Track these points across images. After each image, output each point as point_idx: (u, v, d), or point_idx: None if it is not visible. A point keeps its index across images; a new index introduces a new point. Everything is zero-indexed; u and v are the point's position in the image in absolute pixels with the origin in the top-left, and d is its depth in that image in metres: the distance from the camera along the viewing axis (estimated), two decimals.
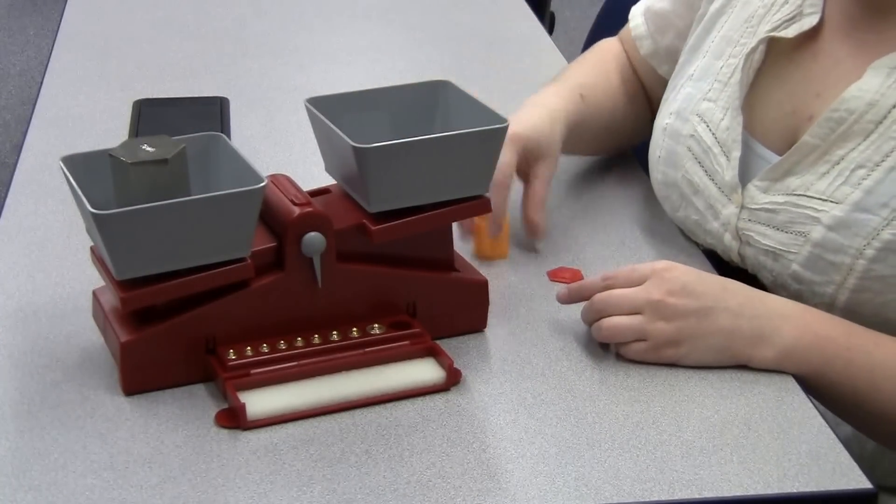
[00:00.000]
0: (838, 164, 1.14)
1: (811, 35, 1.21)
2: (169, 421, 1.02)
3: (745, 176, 1.22)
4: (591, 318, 1.13)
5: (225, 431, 1.01)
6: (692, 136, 1.26)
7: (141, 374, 1.05)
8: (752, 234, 1.20)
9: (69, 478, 0.96)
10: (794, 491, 0.97)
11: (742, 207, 1.21)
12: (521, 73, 1.72)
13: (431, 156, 1.07)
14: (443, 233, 1.13)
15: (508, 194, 1.23)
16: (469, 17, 1.93)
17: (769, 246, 1.18)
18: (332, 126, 1.09)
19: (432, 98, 1.16)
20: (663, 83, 1.39)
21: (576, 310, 1.18)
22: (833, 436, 1.03)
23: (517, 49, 1.82)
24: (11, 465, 0.97)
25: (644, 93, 1.47)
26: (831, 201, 1.14)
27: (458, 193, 1.10)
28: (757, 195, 1.20)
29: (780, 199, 1.18)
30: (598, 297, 1.12)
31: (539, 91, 1.38)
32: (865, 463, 1.01)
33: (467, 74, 1.71)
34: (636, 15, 1.45)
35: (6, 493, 0.94)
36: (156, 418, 1.03)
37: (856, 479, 0.98)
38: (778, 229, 1.18)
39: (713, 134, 1.24)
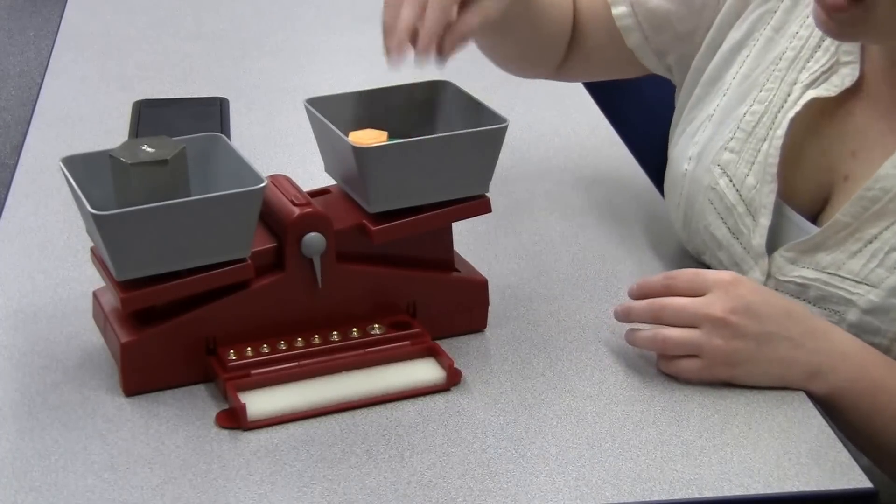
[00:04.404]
0: (871, 242, 1.10)
1: (850, 88, 1.14)
2: (169, 422, 1.02)
3: (772, 238, 1.17)
4: (645, 320, 1.08)
5: (225, 432, 1.01)
6: (713, 188, 1.20)
7: (141, 375, 1.05)
8: None
9: (69, 478, 0.96)
10: (795, 490, 0.96)
11: (769, 276, 1.17)
12: None
13: (431, 156, 1.07)
14: (443, 233, 1.13)
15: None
16: None
17: None
18: (331, 126, 1.08)
19: (432, 98, 1.16)
20: (629, 62, 1.33)
21: (577, 310, 1.18)
22: (833, 435, 1.02)
23: None
24: (12, 466, 0.97)
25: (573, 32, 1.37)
26: (866, 284, 1.10)
27: (458, 193, 1.10)
28: (784, 266, 1.15)
29: (811, 274, 1.14)
30: (657, 302, 1.08)
31: None
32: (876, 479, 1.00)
33: (467, 74, 1.70)
34: (618, 1, 1.32)
35: (7, 494, 0.94)
36: (156, 419, 1.02)
37: (856, 479, 0.98)
38: (810, 303, 1.14)
39: (737, 191, 1.18)
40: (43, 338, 1.12)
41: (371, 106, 1.15)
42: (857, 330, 1.11)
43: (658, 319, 1.08)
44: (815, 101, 1.15)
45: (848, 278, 1.11)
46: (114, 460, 0.98)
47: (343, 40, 1.83)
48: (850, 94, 1.15)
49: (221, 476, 0.96)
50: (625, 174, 1.47)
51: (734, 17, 1.24)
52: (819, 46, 1.17)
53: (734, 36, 1.23)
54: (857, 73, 1.14)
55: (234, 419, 1.02)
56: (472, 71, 1.73)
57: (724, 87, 1.23)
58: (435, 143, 1.07)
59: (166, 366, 1.05)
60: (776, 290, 1.15)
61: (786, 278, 1.15)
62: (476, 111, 1.12)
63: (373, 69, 1.74)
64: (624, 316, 1.10)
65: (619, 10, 1.32)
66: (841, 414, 1.08)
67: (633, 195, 1.42)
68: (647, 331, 1.08)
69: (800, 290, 1.14)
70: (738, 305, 1.05)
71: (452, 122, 1.14)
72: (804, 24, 1.18)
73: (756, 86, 1.20)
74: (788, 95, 1.17)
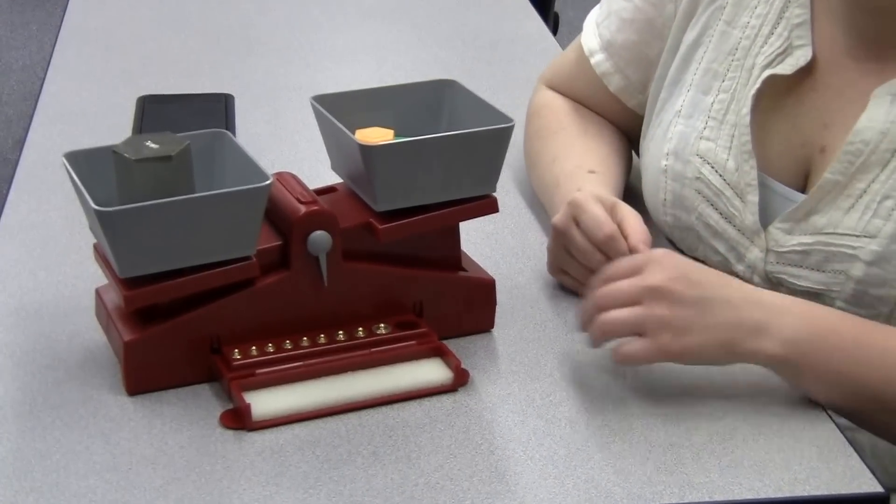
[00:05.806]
0: (861, 197, 1.13)
1: (806, 67, 1.19)
2: (173, 421, 1.01)
3: (763, 214, 1.19)
4: (591, 317, 1.06)
5: (230, 432, 1.01)
6: (698, 178, 1.22)
7: (144, 374, 1.04)
8: (784, 276, 1.17)
9: (71, 479, 0.95)
10: (805, 494, 0.96)
11: (768, 251, 1.18)
12: (525, 72, 1.71)
13: (438, 155, 1.06)
14: (450, 232, 1.12)
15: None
16: (474, 17, 1.93)
17: (807, 287, 1.15)
18: (338, 124, 1.08)
19: (438, 97, 1.16)
20: (631, 116, 1.36)
21: None
22: (843, 439, 1.02)
23: (522, 49, 1.82)
24: (13, 466, 0.96)
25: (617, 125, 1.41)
26: (865, 236, 1.12)
27: (465, 193, 1.09)
28: (781, 237, 1.17)
29: (808, 239, 1.15)
30: (595, 293, 1.06)
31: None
32: (878, 462, 0.99)
33: (473, 74, 1.71)
34: (594, 51, 1.36)
35: (7, 495, 0.93)
36: (159, 419, 1.02)
37: (866, 483, 0.97)
38: (814, 269, 1.15)
39: (721, 176, 1.21)
40: (45, 336, 1.12)
41: (378, 104, 1.15)
42: (865, 286, 1.12)
43: (603, 310, 1.05)
44: (777, 82, 1.20)
45: (847, 234, 1.13)
46: (116, 460, 0.97)
47: (350, 38, 1.83)
48: (807, 74, 1.19)
49: (226, 477, 0.96)
50: (632, 174, 1.46)
51: (687, 20, 1.28)
52: (772, 33, 1.21)
53: (689, 37, 1.27)
54: (809, 55, 1.19)
55: (238, 419, 1.01)
56: (477, 70, 1.73)
57: (686, 83, 1.27)
58: (442, 141, 1.06)
59: (170, 365, 1.04)
60: (777, 263, 1.17)
61: (784, 249, 1.17)
62: (482, 111, 1.11)
63: (380, 67, 1.74)
64: (582, 330, 1.08)
65: (596, 59, 1.36)
66: (800, 370, 1.05)
67: (639, 194, 1.41)
68: (592, 322, 1.06)
69: (801, 258, 1.16)
70: (675, 274, 1.04)
71: (459, 122, 1.14)
72: (754, 14, 1.23)
73: (718, 76, 1.24)
74: (749, 79, 1.21)
